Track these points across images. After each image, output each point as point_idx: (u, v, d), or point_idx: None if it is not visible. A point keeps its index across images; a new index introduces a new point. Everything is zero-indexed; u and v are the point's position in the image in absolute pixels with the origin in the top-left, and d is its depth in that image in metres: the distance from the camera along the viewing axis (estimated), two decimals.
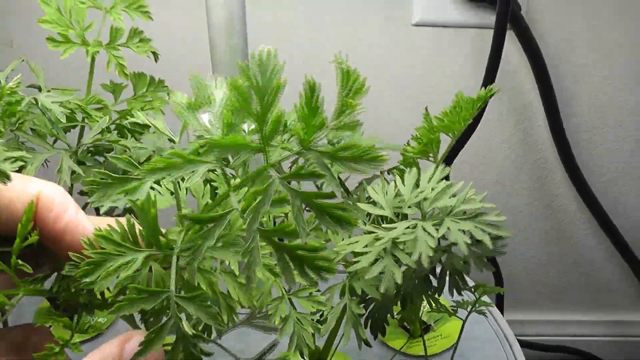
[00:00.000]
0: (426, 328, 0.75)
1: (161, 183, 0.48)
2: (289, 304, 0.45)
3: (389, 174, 0.61)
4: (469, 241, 0.43)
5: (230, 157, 0.33)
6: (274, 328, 0.49)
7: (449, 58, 0.93)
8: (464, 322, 0.58)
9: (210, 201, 0.40)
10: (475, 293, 0.56)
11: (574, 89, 0.96)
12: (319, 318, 0.47)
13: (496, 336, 0.76)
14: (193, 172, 0.31)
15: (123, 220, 0.34)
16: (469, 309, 0.57)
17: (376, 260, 0.44)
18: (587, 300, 1.18)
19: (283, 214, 0.49)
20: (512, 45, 0.91)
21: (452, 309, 0.58)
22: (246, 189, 0.33)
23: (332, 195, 0.30)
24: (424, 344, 0.62)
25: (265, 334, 0.53)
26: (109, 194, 0.35)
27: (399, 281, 0.42)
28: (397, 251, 0.44)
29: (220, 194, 0.34)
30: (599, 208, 1.03)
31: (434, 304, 0.59)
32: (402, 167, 0.59)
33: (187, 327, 0.32)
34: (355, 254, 0.45)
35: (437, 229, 0.43)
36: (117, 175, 0.34)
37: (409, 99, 0.95)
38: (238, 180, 0.33)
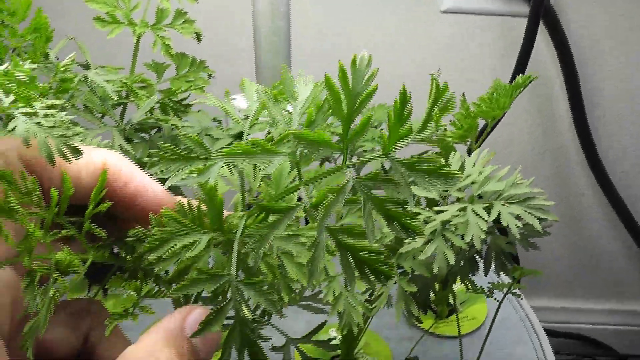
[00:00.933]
0: (451, 310, 0.77)
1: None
2: (341, 283, 0.47)
3: None
4: (519, 224, 0.45)
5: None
6: (321, 308, 0.51)
7: (476, 46, 0.94)
8: (500, 303, 0.60)
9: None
10: (513, 275, 0.57)
11: (598, 80, 0.97)
12: (368, 297, 0.48)
13: (520, 320, 0.78)
14: (270, 161, 0.32)
15: (190, 201, 0.35)
16: (504, 291, 0.58)
17: (428, 241, 0.45)
18: (601, 289, 1.19)
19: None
20: (539, 35, 0.91)
21: (488, 291, 0.59)
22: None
23: (404, 203, 0.31)
24: (458, 324, 0.64)
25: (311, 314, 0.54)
26: (172, 170, 0.36)
27: (452, 262, 0.44)
28: (448, 233, 0.46)
29: (290, 187, 0.35)
30: (618, 198, 1.04)
31: (470, 285, 0.60)
32: (440, 152, 0.61)
33: (247, 312, 0.32)
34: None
35: (488, 212, 0.45)
36: (185, 153, 0.35)
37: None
38: (311, 174, 0.33)
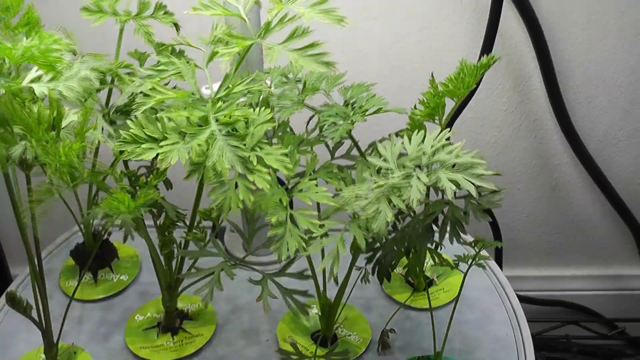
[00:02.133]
0: (429, 282, 0.80)
1: None
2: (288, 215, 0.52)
3: (397, 135, 0.65)
4: (455, 188, 0.48)
5: None
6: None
7: (451, 25, 0.96)
8: (465, 274, 0.63)
9: None
10: (475, 247, 0.60)
11: (569, 53, 0.99)
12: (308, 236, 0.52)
13: (495, 289, 0.81)
14: None
15: None
16: (469, 262, 0.61)
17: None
18: (583, 255, 1.23)
19: None
20: (509, 11, 0.93)
21: (453, 262, 0.62)
22: None
23: None
24: (428, 296, 0.67)
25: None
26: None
27: (389, 219, 0.47)
28: (393, 196, 0.49)
29: None
30: (594, 166, 1.07)
31: (437, 258, 0.63)
32: (409, 128, 0.63)
33: None
34: (357, 198, 0.50)
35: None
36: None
37: (408, 63, 0.99)
38: None
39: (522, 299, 0.81)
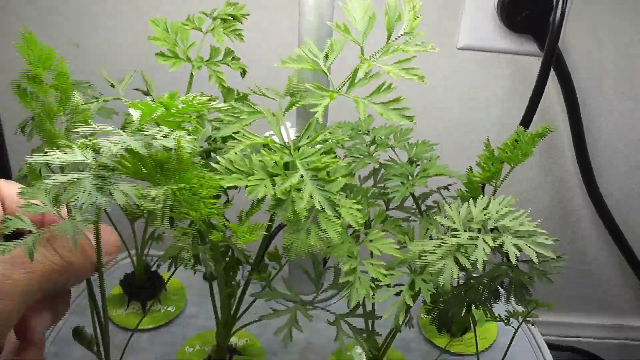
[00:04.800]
0: (465, 329, 0.84)
1: None
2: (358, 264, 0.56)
3: (445, 189, 0.70)
4: (518, 253, 0.52)
5: None
6: None
7: (489, 81, 1.01)
8: (516, 330, 0.67)
9: None
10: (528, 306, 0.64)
11: (599, 116, 1.05)
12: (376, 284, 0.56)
13: (526, 338, 0.85)
14: None
15: None
16: (519, 320, 0.65)
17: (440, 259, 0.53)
18: (594, 305, 1.27)
19: None
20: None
21: (505, 318, 0.66)
22: None
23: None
24: (476, 340, 0.71)
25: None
26: None
27: (455, 276, 0.51)
28: (459, 254, 0.53)
29: None
30: (613, 223, 1.12)
31: (489, 314, 0.67)
32: (465, 189, 0.68)
33: None
34: (425, 253, 0.54)
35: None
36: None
37: (450, 119, 1.04)
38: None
39: None
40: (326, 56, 0.58)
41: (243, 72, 0.74)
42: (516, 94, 1.02)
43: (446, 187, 0.73)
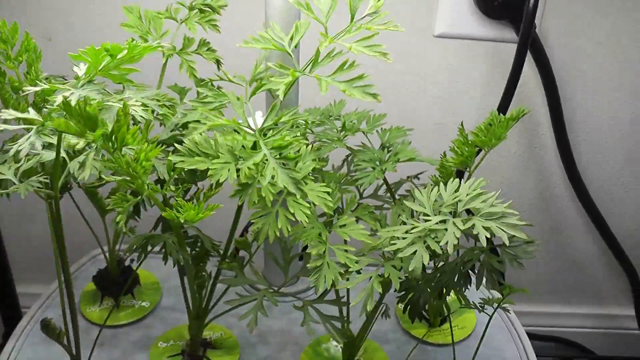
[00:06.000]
0: (443, 319, 0.83)
1: None
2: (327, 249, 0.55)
3: (415, 178, 0.69)
4: (488, 235, 0.51)
5: None
6: None
7: (467, 68, 1.00)
8: (490, 317, 0.65)
9: None
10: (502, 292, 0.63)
11: (579, 102, 1.04)
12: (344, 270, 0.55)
13: (505, 326, 0.84)
14: None
15: None
16: (494, 306, 0.64)
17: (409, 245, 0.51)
18: (580, 294, 1.27)
19: None
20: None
21: (479, 305, 0.65)
22: None
23: None
24: (452, 329, 0.70)
25: None
26: None
27: (426, 262, 0.50)
28: (429, 239, 0.52)
29: None
30: (595, 210, 1.11)
31: (463, 301, 0.66)
32: (439, 175, 0.67)
33: None
34: (395, 239, 0.53)
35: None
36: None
37: (427, 106, 1.02)
38: None
39: None
40: (291, 38, 0.57)
41: (218, 63, 0.73)
42: (495, 81, 1.01)
43: (416, 176, 0.72)
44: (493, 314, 0.65)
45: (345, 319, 0.67)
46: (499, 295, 0.65)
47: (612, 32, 0.98)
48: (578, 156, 1.07)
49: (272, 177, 0.50)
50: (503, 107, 0.93)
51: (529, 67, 0.99)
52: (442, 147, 1.04)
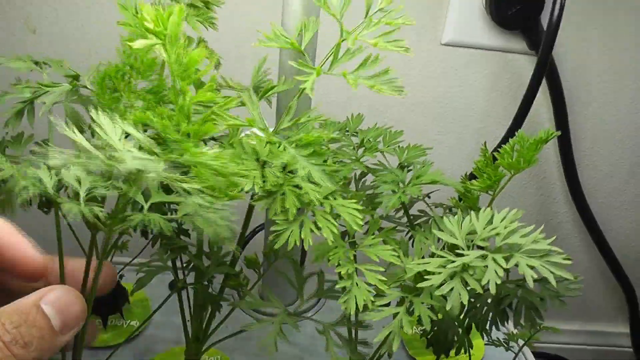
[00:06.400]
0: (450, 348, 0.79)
1: None
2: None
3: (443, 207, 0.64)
4: (535, 275, 0.47)
5: None
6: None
7: (474, 77, 0.96)
8: (516, 355, 0.62)
9: None
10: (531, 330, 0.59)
11: (584, 119, 1.01)
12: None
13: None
14: None
15: None
16: (519, 343, 0.60)
17: (445, 281, 0.47)
18: (573, 310, 1.24)
19: None
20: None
21: (504, 342, 0.61)
22: None
23: None
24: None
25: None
26: None
27: (465, 302, 0.45)
28: (467, 276, 0.48)
29: None
30: (595, 226, 1.08)
31: (487, 336, 0.62)
32: (461, 199, 0.62)
33: None
34: (426, 273, 0.48)
35: (506, 262, 0.47)
36: None
37: (432, 115, 0.99)
38: None
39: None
40: (301, 35, 0.54)
41: (217, 63, 0.68)
42: (502, 90, 0.98)
43: (427, 195, 0.68)
44: (519, 351, 0.61)
45: (364, 342, 0.62)
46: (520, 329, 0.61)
47: (622, 49, 0.96)
48: (580, 170, 1.05)
49: (306, 176, 0.47)
50: (517, 124, 0.89)
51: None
52: (443, 156, 1.01)
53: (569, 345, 1.27)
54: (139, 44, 0.39)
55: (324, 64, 0.51)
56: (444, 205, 0.65)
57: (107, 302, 0.76)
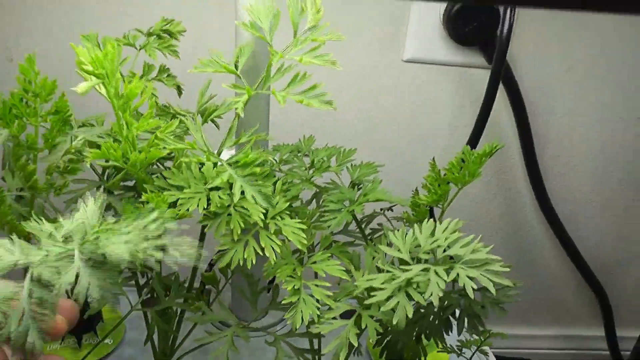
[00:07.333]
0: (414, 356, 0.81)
1: None
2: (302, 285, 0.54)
3: (388, 209, 0.67)
4: (475, 286, 0.49)
5: None
6: None
7: (436, 93, 0.99)
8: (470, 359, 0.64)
9: None
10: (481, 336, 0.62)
11: (548, 126, 1.04)
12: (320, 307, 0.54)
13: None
14: None
15: None
16: (472, 349, 0.62)
17: (391, 296, 0.50)
18: (548, 316, 1.27)
19: None
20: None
21: (457, 348, 0.64)
22: None
23: None
24: None
25: None
26: None
27: (410, 315, 0.48)
28: (411, 290, 0.50)
29: None
30: (564, 233, 1.11)
31: (441, 344, 0.64)
32: (413, 213, 0.65)
33: None
34: (373, 289, 0.50)
35: (447, 274, 0.49)
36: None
37: (398, 131, 1.01)
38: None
39: None
40: (236, 60, 0.57)
41: (179, 90, 0.71)
42: (464, 105, 1.01)
43: (389, 209, 0.71)
44: (471, 356, 0.64)
45: (317, 351, 0.64)
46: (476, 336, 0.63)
47: (581, 57, 0.99)
48: (546, 179, 1.07)
49: (242, 193, 0.50)
50: (475, 136, 0.92)
51: (499, 93, 0.98)
52: (409, 172, 1.04)
53: (549, 350, 1.29)
54: (81, 88, 0.42)
55: (257, 85, 0.55)
56: (401, 219, 0.68)
57: (81, 321, 0.79)
